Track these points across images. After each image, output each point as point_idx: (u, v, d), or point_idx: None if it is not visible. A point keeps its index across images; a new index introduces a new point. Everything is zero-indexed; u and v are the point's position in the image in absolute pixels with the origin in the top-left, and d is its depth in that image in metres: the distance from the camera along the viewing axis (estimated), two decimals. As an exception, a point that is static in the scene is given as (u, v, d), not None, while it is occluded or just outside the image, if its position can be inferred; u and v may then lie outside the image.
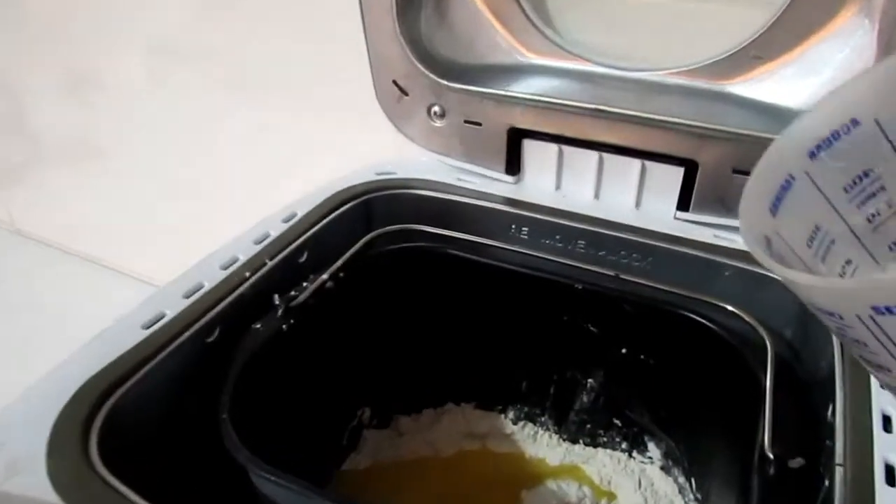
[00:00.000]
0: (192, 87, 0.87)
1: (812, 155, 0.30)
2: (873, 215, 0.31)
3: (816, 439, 0.41)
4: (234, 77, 0.82)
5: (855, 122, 0.29)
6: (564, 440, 0.63)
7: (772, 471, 0.38)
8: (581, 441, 0.63)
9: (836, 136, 0.30)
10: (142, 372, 0.43)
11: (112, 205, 1.08)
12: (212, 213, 0.92)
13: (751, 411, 0.45)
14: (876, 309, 0.21)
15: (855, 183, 0.30)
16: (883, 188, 0.30)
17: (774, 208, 0.31)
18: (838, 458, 0.37)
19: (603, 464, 0.61)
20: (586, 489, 0.59)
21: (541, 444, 0.64)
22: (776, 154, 0.31)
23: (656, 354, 0.54)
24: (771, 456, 0.38)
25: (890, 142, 0.29)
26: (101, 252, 1.15)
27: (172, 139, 0.94)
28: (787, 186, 0.31)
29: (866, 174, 0.30)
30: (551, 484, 0.60)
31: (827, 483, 0.37)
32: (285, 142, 0.83)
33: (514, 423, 0.65)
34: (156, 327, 0.45)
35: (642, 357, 0.54)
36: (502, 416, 0.65)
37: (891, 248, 0.32)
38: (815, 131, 0.30)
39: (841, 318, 0.24)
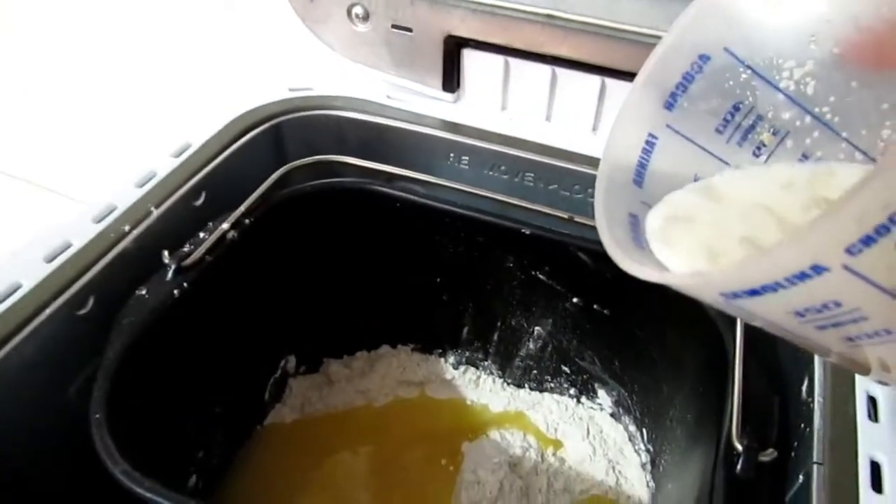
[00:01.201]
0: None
1: (669, 106, 0.27)
2: (758, 148, 0.28)
3: (790, 422, 0.36)
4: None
5: (704, 58, 0.27)
6: (509, 385, 0.59)
7: (740, 465, 0.33)
8: (526, 386, 0.58)
9: (688, 78, 0.27)
10: (-10, 364, 0.35)
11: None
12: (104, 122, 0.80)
13: (714, 370, 0.40)
14: (724, 295, 0.19)
15: (727, 121, 0.28)
16: (760, 117, 0.27)
17: (639, 177, 0.28)
18: (816, 454, 0.32)
19: (549, 410, 0.57)
20: (531, 439, 0.55)
21: (483, 390, 0.59)
22: (629, 118, 0.28)
23: (612, 305, 0.48)
24: (739, 447, 0.33)
25: (749, 67, 0.26)
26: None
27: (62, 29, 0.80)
28: (649, 149, 0.28)
29: (737, 108, 0.27)
30: (494, 434, 0.55)
31: (802, 479, 0.32)
32: (176, 49, 0.69)
33: (455, 367, 0.59)
34: (10, 302, 0.37)
35: (596, 307, 0.49)
36: (442, 360, 0.60)
37: None
38: (665, 80, 0.27)
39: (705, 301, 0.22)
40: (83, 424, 0.34)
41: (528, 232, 0.46)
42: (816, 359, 0.36)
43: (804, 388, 0.36)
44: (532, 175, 0.50)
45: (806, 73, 0.26)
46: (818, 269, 0.16)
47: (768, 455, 0.33)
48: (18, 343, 0.36)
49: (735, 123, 0.28)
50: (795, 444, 0.35)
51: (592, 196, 0.49)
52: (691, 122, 0.28)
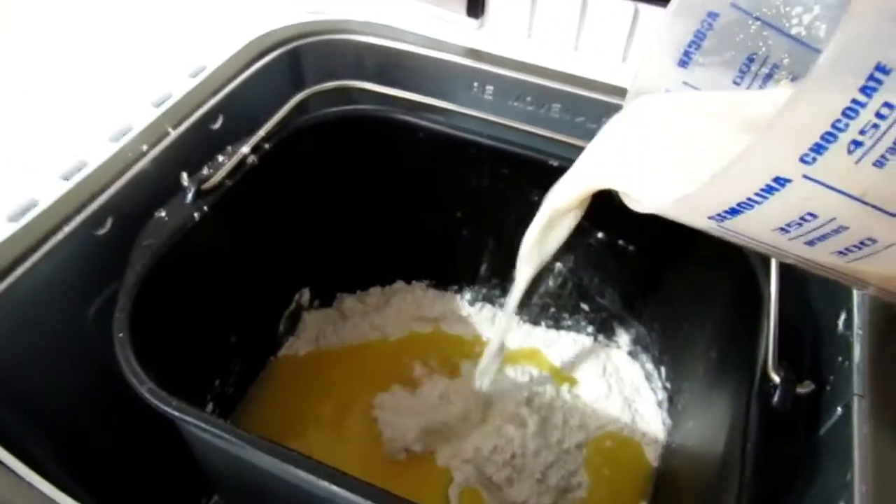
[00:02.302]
0: None
1: (683, 64, 0.29)
2: None
3: (823, 357, 0.36)
4: None
5: (712, 15, 0.28)
6: (525, 322, 0.58)
7: (777, 397, 0.33)
8: (543, 324, 0.58)
9: (700, 36, 0.28)
10: (9, 279, 0.34)
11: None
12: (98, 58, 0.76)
13: (745, 306, 0.39)
14: (712, 218, 0.20)
15: (743, 72, 0.28)
16: (776, 66, 0.28)
17: None
18: (857, 387, 0.31)
19: (565, 348, 0.57)
20: (547, 376, 0.55)
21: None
22: (642, 82, 0.29)
23: (637, 241, 0.47)
24: (777, 379, 0.33)
25: (758, 19, 0.27)
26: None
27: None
28: None
29: (751, 59, 0.28)
30: (510, 370, 0.55)
31: (840, 411, 0.32)
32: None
33: (471, 304, 0.59)
34: (27, 218, 0.36)
35: (620, 243, 0.48)
36: (458, 296, 0.59)
37: None
38: (676, 40, 0.28)
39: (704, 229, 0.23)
40: (101, 344, 0.34)
41: (555, 164, 0.44)
42: (855, 293, 0.35)
43: (841, 322, 0.35)
44: (559, 106, 0.48)
45: (815, 18, 0.26)
46: (781, 181, 0.17)
47: (805, 387, 0.33)
48: (37, 261, 0.35)
49: (752, 74, 0.28)
50: (831, 377, 0.34)
51: (621, 129, 0.48)
52: (708, 76, 0.29)
